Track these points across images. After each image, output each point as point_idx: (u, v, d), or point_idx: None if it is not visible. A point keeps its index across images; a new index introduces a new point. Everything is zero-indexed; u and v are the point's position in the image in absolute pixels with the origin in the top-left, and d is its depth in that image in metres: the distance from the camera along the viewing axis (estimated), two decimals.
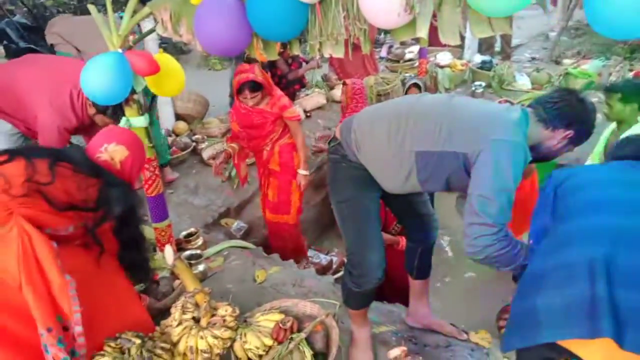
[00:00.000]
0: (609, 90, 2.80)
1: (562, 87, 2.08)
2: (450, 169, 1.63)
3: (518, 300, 1.33)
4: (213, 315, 1.86)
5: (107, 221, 1.63)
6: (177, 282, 2.06)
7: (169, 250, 2.04)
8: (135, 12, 2.22)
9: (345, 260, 1.96)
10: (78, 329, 1.49)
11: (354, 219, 1.85)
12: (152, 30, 2.49)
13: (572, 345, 1.15)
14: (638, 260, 1.14)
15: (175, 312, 1.81)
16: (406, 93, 3.72)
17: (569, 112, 1.56)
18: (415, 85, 3.77)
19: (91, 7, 2.23)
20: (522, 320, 1.26)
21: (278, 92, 3.11)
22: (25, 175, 1.48)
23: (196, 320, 1.82)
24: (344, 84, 3.44)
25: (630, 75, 5.03)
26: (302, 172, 3.18)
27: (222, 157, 3.23)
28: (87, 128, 2.87)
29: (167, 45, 8.56)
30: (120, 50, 2.12)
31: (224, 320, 1.84)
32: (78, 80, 2.08)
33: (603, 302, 1.09)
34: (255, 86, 2.93)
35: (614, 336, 1.06)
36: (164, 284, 2.32)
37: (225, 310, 1.87)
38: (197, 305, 1.85)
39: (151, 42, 4.40)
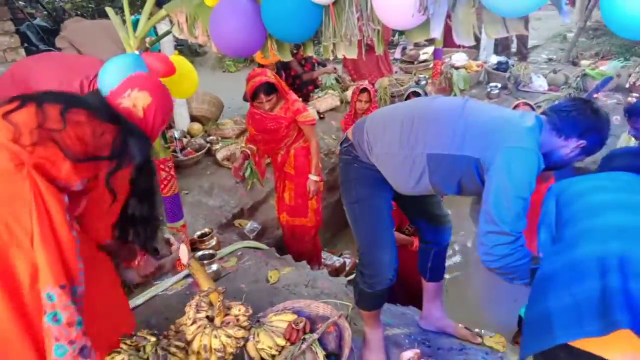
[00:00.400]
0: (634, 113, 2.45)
1: (578, 97, 2.06)
2: (462, 173, 1.63)
3: (531, 306, 1.33)
4: (227, 315, 1.87)
5: (123, 170, 1.53)
6: (174, 246, 2.02)
7: (183, 250, 2.06)
8: (151, 14, 2.26)
9: (357, 260, 1.97)
10: (81, 288, 1.44)
11: (366, 219, 1.85)
12: (168, 32, 2.53)
13: (591, 346, 1.13)
14: None
15: (190, 311, 1.83)
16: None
17: (583, 122, 1.55)
18: (415, 93, 3.75)
19: (109, 10, 2.27)
20: (537, 324, 1.25)
21: (292, 96, 3.12)
22: (35, 122, 1.40)
23: (210, 319, 1.84)
24: (363, 90, 3.48)
25: None
26: (312, 177, 3.15)
27: (241, 158, 3.26)
28: None
29: (182, 47, 8.66)
30: (137, 52, 2.16)
31: (237, 320, 1.85)
32: (90, 71, 2.08)
33: (616, 294, 1.08)
34: (269, 88, 2.92)
35: (631, 326, 1.04)
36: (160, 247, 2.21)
37: (238, 310, 1.88)
38: (211, 305, 1.87)
39: (167, 44, 4.45)
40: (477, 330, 2.21)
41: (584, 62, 6.10)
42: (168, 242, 2.03)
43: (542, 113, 1.68)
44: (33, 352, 1.41)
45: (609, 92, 4.99)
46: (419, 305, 2.38)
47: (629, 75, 5.08)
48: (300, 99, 5.13)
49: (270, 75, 2.94)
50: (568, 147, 1.58)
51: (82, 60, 2.88)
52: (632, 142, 2.85)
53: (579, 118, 1.55)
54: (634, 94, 4.82)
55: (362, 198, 1.84)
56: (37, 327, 1.39)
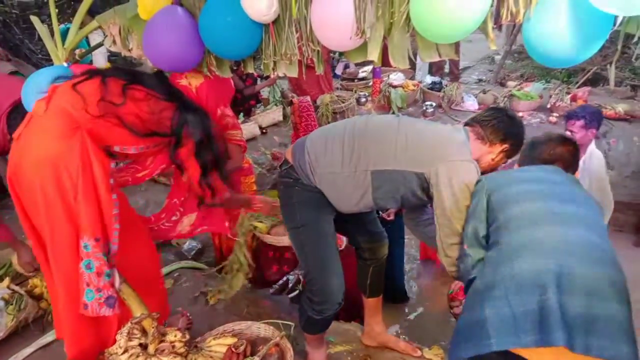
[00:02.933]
0: (570, 118, 2.96)
1: (493, 107, 2.23)
2: (405, 187, 1.69)
3: (467, 311, 1.36)
4: (161, 341, 1.78)
5: (184, 145, 1.71)
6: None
7: (114, 274, 1.95)
8: (83, 24, 2.14)
9: (306, 286, 1.92)
10: (114, 247, 1.63)
11: (313, 244, 1.82)
12: (100, 45, 2.42)
13: (523, 351, 1.19)
14: (583, 269, 1.20)
15: (121, 339, 1.72)
16: None
17: (503, 128, 1.70)
18: None
19: (34, 19, 2.14)
20: (472, 330, 1.28)
21: (227, 110, 2.91)
22: (99, 94, 1.56)
23: (143, 347, 1.74)
24: (292, 102, 3.40)
25: (568, 97, 5.37)
26: None
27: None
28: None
29: (116, 58, 8.29)
30: (65, 64, 2.04)
31: (173, 347, 1.76)
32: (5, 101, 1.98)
33: (553, 311, 1.14)
34: None
35: (566, 344, 1.11)
36: None
37: (174, 336, 1.79)
38: (144, 331, 1.77)
39: (100, 55, 4.26)
40: (416, 343, 2.26)
41: (510, 83, 6.53)
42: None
43: (465, 124, 1.80)
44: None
45: (532, 112, 5.37)
46: (361, 319, 2.40)
47: (550, 97, 5.49)
48: (242, 115, 5.11)
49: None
50: (493, 152, 1.72)
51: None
52: None
53: (499, 125, 1.70)
54: (554, 114, 5.21)
55: (307, 222, 1.81)
56: (72, 274, 1.60)
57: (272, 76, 5.33)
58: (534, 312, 1.17)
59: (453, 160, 1.60)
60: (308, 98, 3.62)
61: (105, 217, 1.60)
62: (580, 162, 2.80)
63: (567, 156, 1.72)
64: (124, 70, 1.79)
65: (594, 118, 2.87)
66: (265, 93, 5.59)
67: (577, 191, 1.48)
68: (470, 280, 1.43)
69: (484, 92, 5.94)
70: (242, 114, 5.21)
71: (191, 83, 1.85)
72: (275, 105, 5.43)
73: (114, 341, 1.74)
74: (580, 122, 2.87)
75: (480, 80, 7.49)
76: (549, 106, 5.39)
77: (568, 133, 2.93)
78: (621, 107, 5.07)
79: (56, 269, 1.66)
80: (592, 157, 2.89)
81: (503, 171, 1.64)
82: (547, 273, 1.20)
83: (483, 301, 1.27)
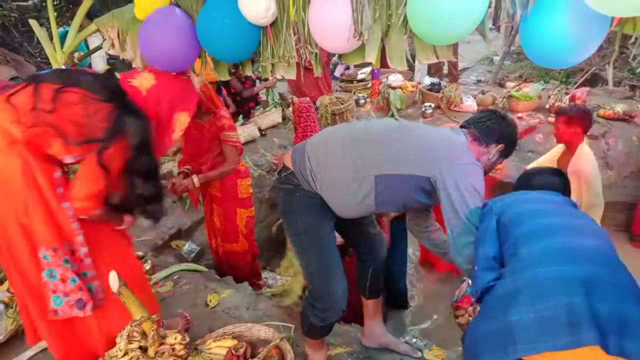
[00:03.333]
0: (558, 114, 3.06)
1: (485, 109, 2.28)
2: (410, 190, 1.70)
3: (486, 320, 1.34)
4: (161, 344, 1.78)
5: (115, 146, 1.59)
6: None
7: (113, 277, 1.94)
8: (81, 27, 2.15)
9: (308, 293, 1.91)
10: (84, 249, 1.63)
11: (315, 250, 1.81)
12: (99, 48, 2.42)
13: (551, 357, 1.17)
14: (607, 273, 1.21)
15: (121, 342, 1.72)
16: None
17: (497, 128, 1.75)
18: None
19: (33, 23, 2.14)
20: (496, 339, 1.26)
21: (223, 112, 2.89)
22: (31, 104, 1.50)
23: (143, 349, 1.74)
24: (292, 103, 3.40)
25: (566, 97, 5.38)
26: (194, 177, 2.83)
27: (181, 176, 2.93)
28: None
29: (115, 61, 8.31)
30: (64, 67, 2.04)
31: (173, 349, 1.76)
32: None
33: (584, 313, 1.13)
34: None
35: (600, 344, 1.10)
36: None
37: (174, 338, 1.80)
38: (144, 334, 1.77)
39: (98, 59, 4.27)
40: (415, 341, 2.26)
41: (509, 84, 6.53)
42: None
43: (461, 127, 1.83)
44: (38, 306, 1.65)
45: (531, 112, 5.38)
46: (361, 321, 2.40)
47: (548, 97, 5.50)
48: (241, 117, 5.12)
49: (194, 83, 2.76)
50: (490, 152, 1.76)
51: None
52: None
53: (494, 126, 1.75)
54: (553, 114, 5.22)
55: (308, 228, 1.81)
56: (36, 284, 1.61)
57: (270, 78, 5.36)
58: (563, 315, 1.16)
59: (459, 163, 1.62)
60: (308, 99, 3.62)
61: (63, 225, 1.59)
62: (570, 164, 2.84)
63: (560, 185, 1.76)
64: (62, 72, 1.70)
65: (579, 116, 2.88)
66: (263, 95, 5.60)
67: (579, 211, 1.53)
68: (485, 290, 1.42)
69: (483, 93, 5.94)
70: (241, 116, 5.22)
71: (142, 84, 1.72)
72: (275, 107, 5.43)
73: (100, 344, 1.74)
74: (563, 118, 2.92)
75: (479, 81, 7.49)
76: (547, 107, 5.40)
77: (555, 131, 3.00)
78: (620, 107, 5.07)
79: (21, 282, 1.65)
80: (581, 157, 2.91)
81: (508, 194, 1.65)
82: (573, 278, 1.20)
83: (506, 308, 1.26)
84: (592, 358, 1.13)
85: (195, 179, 2.82)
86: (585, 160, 2.89)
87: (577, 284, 1.19)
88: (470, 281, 1.81)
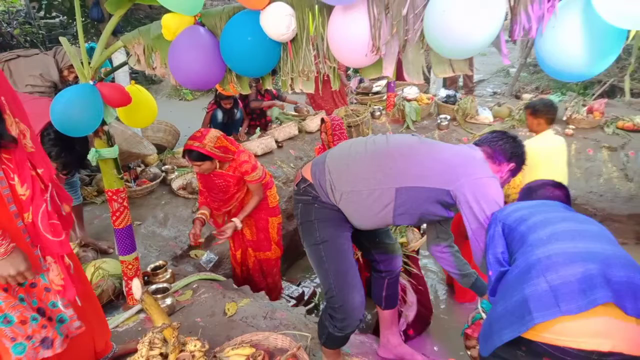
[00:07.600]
0: (526, 107, 3.45)
1: (496, 130, 2.35)
2: (429, 203, 1.74)
3: (502, 302, 1.35)
4: (182, 351, 1.82)
5: None
6: None
7: (136, 284, 2.00)
8: (107, 44, 2.24)
9: (326, 303, 1.92)
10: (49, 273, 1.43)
11: (333, 261, 1.84)
12: (124, 64, 2.51)
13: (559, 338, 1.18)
14: (619, 252, 1.26)
15: (142, 348, 1.77)
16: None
17: (508, 148, 1.81)
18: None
19: (63, 40, 2.23)
20: (512, 314, 1.28)
21: (243, 156, 2.88)
22: None
23: (164, 356, 1.78)
24: (323, 121, 3.42)
25: (584, 109, 5.34)
26: (236, 220, 2.95)
27: (198, 226, 2.95)
28: None
29: (137, 75, 8.52)
30: (91, 82, 2.12)
31: (193, 356, 1.80)
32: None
33: (597, 277, 1.17)
34: (198, 156, 2.72)
35: (614, 301, 1.13)
36: None
37: (194, 346, 1.83)
38: (165, 341, 1.81)
39: (122, 74, 4.39)
40: (435, 349, 2.26)
41: (525, 96, 6.51)
42: None
43: (475, 145, 1.89)
44: None
45: None
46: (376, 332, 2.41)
47: (565, 109, 5.46)
48: (258, 129, 5.24)
49: (208, 142, 2.70)
50: (502, 171, 1.81)
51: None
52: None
53: (505, 146, 1.81)
54: (570, 126, 5.18)
55: (326, 239, 1.84)
56: None
57: (277, 103, 5.66)
58: (575, 282, 1.19)
59: (478, 177, 1.67)
60: (338, 117, 3.62)
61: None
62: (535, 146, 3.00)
63: (562, 197, 1.78)
64: None
65: (543, 109, 3.21)
66: (268, 112, 5.73)
67: (586, 217, 1.53)
68: (499, 278, 1.44)
69: (499, 105, 5.93)
70: (259, 128, 5.34)
71: None
72: (279, 122, 5.61)
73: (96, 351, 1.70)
74: (529, 110, 3.30)
75: (495, 93, 7.49)
76: (564, 118, 5.36)
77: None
78: (639, 119, 5.02)
79: None
80: (537, 139, 3.22)
81: (511, 203, 1.68)
82: (585, 252, 1.25)
83: (521, 283, 1.29)
84: (607, 323, 1.15)
85: (238, 222, 2.96)
86: (535, 140, 3.20)
87: (589, 256, 1.23)
88: (481, 309, 1.82)
